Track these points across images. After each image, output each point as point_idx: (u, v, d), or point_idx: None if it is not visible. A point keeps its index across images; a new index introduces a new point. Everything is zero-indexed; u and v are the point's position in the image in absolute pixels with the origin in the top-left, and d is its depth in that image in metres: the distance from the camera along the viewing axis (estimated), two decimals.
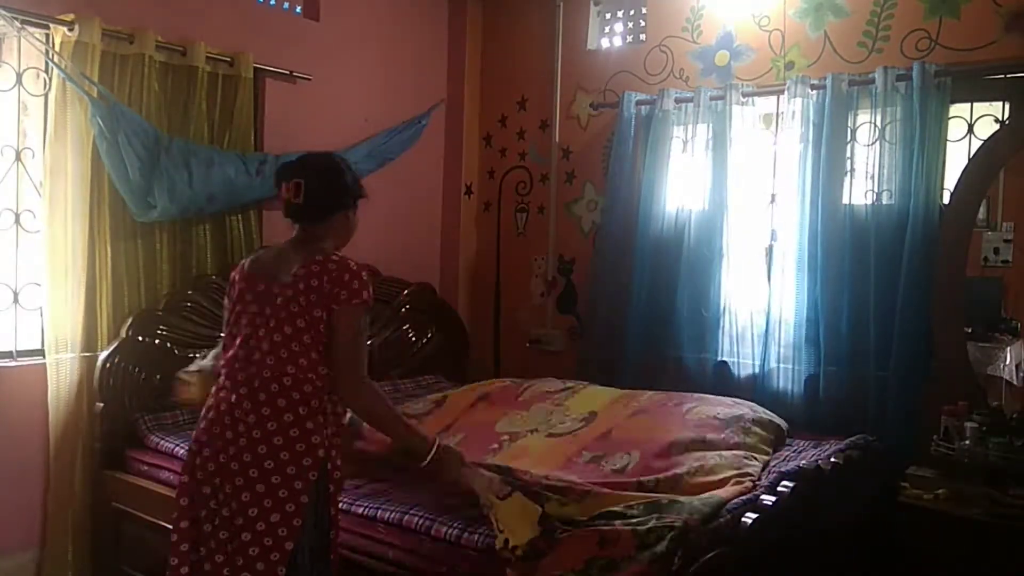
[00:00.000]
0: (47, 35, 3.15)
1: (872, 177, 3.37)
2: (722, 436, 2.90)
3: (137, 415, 3.27)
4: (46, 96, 3.20)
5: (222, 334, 2.24)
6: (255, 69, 3.73)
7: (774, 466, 2.84)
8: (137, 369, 3.30)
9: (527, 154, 4.61)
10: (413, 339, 4.41)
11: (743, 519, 2.27)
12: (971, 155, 3.20)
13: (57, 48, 3.13)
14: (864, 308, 3.36)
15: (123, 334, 3.28)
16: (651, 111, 3.97)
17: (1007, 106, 3.18)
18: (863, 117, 3.42)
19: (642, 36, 4.22)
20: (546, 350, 4.46)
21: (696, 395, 3.34)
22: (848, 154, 3.44)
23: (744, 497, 2.47)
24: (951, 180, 3.23)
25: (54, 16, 3.13)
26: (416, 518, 2.41)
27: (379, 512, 2.49)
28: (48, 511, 3.25)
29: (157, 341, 3.37)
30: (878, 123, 3.36)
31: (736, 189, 3.70)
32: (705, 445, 2.83)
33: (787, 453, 3.03)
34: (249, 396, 2.05)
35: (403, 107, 4.46)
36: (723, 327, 3.73)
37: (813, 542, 2.57)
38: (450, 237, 4.78)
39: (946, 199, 3.24)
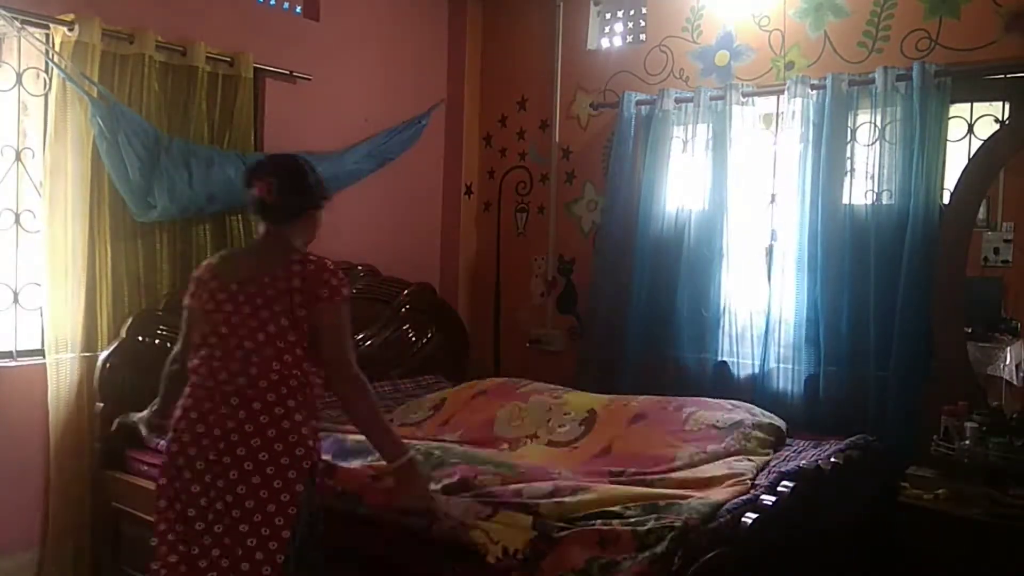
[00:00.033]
0: (47, 35, 3.15)
1: (872, 177, 3.37)
2: (723, 446, 2.91)
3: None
4: (46, 96, 3.20)
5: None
6: (255, 69, 3.73)
7: (774, 466, 2.84)
8: (137, 369, 3.29)
9: (527, 154, 4.61)
10: (413, 339, 4.41)
11: (743, 519, 2.27)
12: (971, 155, 3.21)
13: (57, 48, 3.13)
14: (864, 308, 3.36)
15: (123, 334, 3.28)
16: (651, 111, 3.97)
17: (1007, 106, 3.18)
18: (863, 117, 3.42)
19: (642, 36, 4.22)
20: (546, 350, 4.46)
21: (693, 399, 3.33)
22: (848, 154, 3.44)
23: (744, 497, 2.47)
24: (951, 180, 3.23)
25: (54, 16, 3.13)
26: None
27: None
28: (48, 511, 3.24)
29: (157, 341, 3.36)
30: (878, 123, 3.36)
31: (736, 189, 3.70)
32: (707, 457, 2.84)
33: (787, 453, 3.03)
34: (237, 393, 2.07)
35: (403, 107, 4.46)
36: (723, 327, 3.73)
37: (813, 542, 2.56)
38: (450, 237, 4.78)
39: (946, 199, 3.24)
